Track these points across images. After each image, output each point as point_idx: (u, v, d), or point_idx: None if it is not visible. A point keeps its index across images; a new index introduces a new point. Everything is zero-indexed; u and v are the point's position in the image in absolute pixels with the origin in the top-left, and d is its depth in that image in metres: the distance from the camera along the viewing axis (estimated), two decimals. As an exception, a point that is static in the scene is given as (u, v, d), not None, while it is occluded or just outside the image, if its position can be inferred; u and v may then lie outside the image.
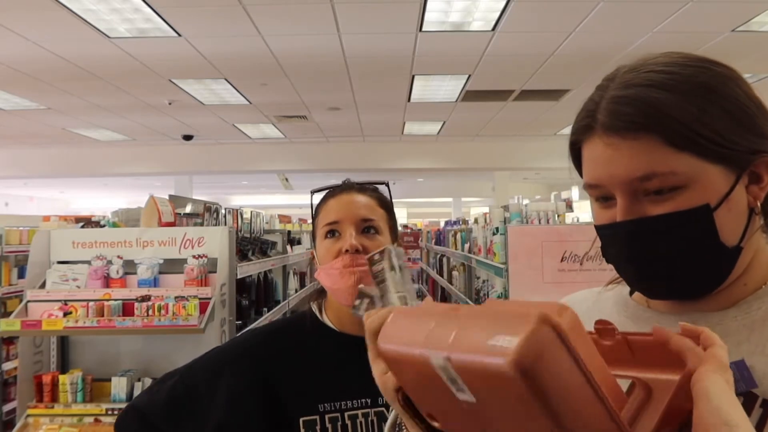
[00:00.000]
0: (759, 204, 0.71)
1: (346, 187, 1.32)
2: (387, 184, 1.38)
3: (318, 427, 1.18)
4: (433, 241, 9.44)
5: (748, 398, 0.66)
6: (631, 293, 0.84)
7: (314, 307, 1.34)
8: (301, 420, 1.19)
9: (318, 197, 1.36)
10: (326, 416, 1.19)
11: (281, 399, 1.21)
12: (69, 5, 4.68)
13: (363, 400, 1.21)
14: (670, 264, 0.69)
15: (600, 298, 0.88)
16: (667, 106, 0.67)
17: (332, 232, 1.25)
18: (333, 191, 1.32)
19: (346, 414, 1.20)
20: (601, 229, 0.74)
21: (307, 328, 1.31)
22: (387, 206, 1.32)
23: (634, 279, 0.74)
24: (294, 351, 1.28)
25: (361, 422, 1.20)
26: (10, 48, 5.66)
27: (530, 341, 0.46)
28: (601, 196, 0.73)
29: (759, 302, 0.72)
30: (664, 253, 0.69)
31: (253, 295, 3.84)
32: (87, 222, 3.56)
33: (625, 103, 0.69)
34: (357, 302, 0.82)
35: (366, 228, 1.25)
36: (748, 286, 0.73)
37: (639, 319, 0.79)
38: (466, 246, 5.44)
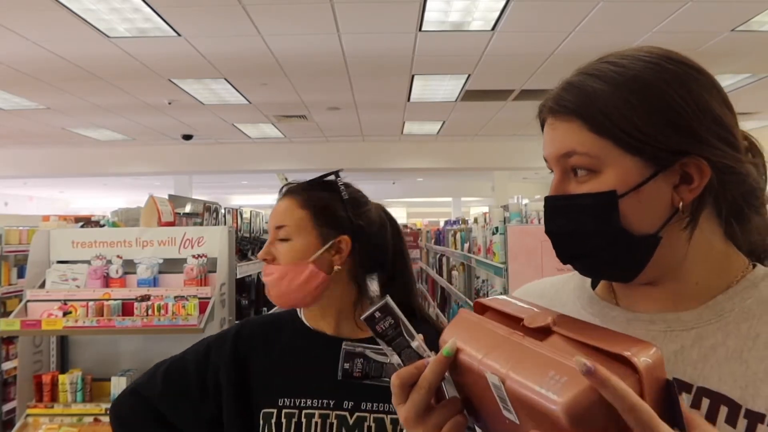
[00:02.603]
0: (684, 204, 0.71)
1: (281, 192, 1.33)
2: (336, 173, 1.34)
3: (273, 421, 1.19)
4: (433, 240, 9.44)
5: (731, 409, 0.66)
6: (593, 286, 0.85)
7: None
8: (262, 411, 1.21)
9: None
10: (283, 411, 1.20)
11: (250, 387, 1.25)
12: (69, 5, 4.67)
13: (325, 401, 1.20)
14: (583, 243, 0.74)
15: (564, 289, 0.89)
16: (597, 95, 0.72)
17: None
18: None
19: (303, 412, 1.19)
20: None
21: (287, 324, 1.34)
22: (314, 204, 1.28)
23: (558, 253, 0.77)
24: (269, 343, 1.30)
25: (317, 422, 1.18)
26: (9, 48, 5.65)
27: (581, 397, 0.51)
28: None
29: (731, 303, 0.72)
30: (575, 230, 0.74)
31: (252, 294, 3.84)
32: (86, 222, 3.55)
33: (568, 89, 0.75)
34: (346, 365, 0.79)
35: (279, 237, 1.28)
36: (700, 285, 0.74)
37: (606, 317, 0.79)
38: (466, 246, 5.44)
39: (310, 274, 1.24)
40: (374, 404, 1.18)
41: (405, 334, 0.75)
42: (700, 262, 0.73)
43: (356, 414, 1.18)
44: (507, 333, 0.64)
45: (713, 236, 0.74)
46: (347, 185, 1.33)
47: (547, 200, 0.76)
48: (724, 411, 0.66)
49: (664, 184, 0.71)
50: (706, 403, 0.68)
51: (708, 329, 0.71)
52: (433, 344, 0.74)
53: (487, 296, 4.41)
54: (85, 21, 5.01)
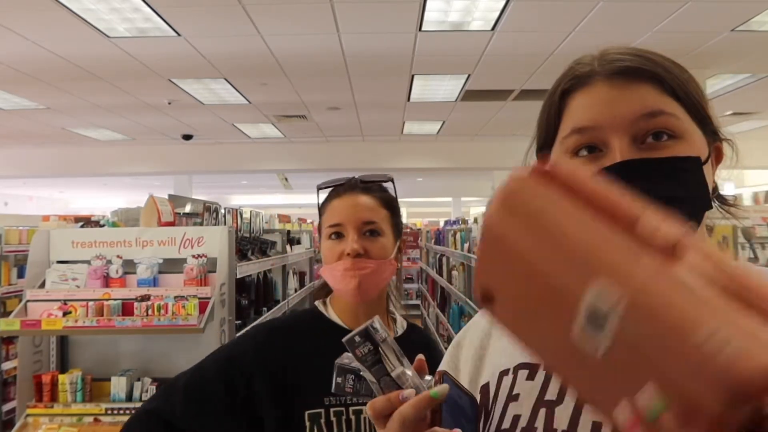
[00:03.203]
0: (716, 184, 0.74)
1: (350, 186, 1.34)
2: (392, 181, 1.42)
3: (323, 421, 1.20)
4: (433, 240, 9.44)
5: None
6: None
7: (319, 304, 1.38)
8: (306, 413, 1.20)
9: (324, 192, 1.39)
10: (331, 410, 1.20)
11: (287, 392, 1.22)
12: (68, 5, 4.67)
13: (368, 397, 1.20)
14: (677, 206, 0.62)
15: None
16: (668, 67, 0.71)
17: (336, 234, 1.30)
18: (338, 190, 1.35)
19: (350, 409, 1.21)
20: None
21: (313, 323, 1.34)
22: (390, 206, 1.36)
23: None
24: (300, 346, 1.29)
25: (365, 418, 1.21)
26: (9, 48, 5.65)
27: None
28: (586, 145, 0.70)
29: None
30: (670, 195, 0.64)
31: (252, 294, 3.84)
32: (86, 222, 3.55)
33: (628, 54, 0.71)
34: (339, 380, 0.76)
35: (368, 231, 1.30)
36: None
37: None
38: (466, 245, 5.44)
39: (392, 270, 1.33)
40: None
41: (385, 361, 0.72)
42: None
43: None
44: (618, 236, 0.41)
45: None
46: None
47: (625, 165, 0.66)
48: None
49: (710, 162, 0.72)
50: None
51: None
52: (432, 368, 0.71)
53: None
54: (85, 21, 5.01)
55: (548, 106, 0.76)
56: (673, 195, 0.65)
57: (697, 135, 0.70)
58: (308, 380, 1.22)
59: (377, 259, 1.28)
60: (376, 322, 0.73)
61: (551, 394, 0.71)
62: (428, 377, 0.73)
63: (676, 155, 0.67)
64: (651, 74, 0.69)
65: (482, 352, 0.82)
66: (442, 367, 0.84)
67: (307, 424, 1.19)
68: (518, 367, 0.76)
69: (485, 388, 0.78)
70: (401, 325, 1.42)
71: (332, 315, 1.34)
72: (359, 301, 1.29)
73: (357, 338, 0.72)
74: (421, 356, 0.74)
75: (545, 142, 0.78)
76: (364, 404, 1.11)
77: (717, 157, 0.75)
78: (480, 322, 0.86)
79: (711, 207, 0.71)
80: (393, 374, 0.70)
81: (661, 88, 0.69)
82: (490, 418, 0.76)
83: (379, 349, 0.71)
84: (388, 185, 1.41)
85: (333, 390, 0.77)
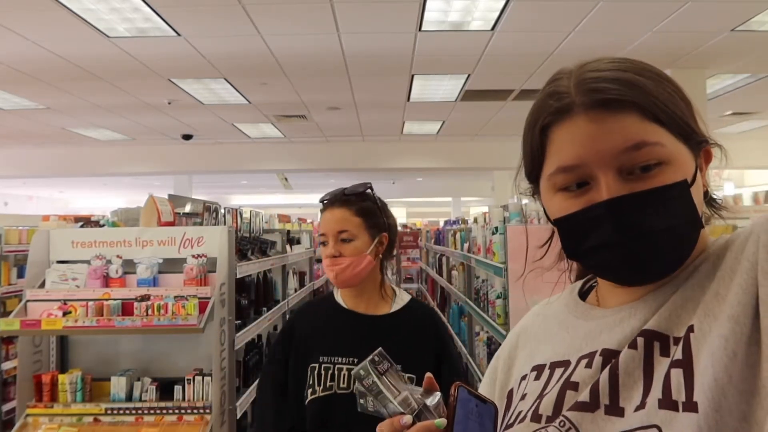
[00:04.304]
0: (708, 189, 0.76)
1: (331, 202, 1.78)
2: (370, 186, 1.81)
3: (315, 372, 1.69)
4: (433, 240, 9.43)
5: (662, 342, 0.68)
6: (584, 297, 0.85)
7: (334, 290, 1.85)
8: (309, 366, 1.70)
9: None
10: (322, 365, 1.69)
11: (300, 351, 1.75)
12: (68, 5, 4.67)
13: (350, 359, 1.68)
14: (657, 241, 0.68)
15: (557, 302, 0.91)
16: (646, 84, 0.70)
17: (323, 241, 1.79)
18: (325, 205, 1.80)
19: (335, 366, 1.69)
20: (578, 215, 0.71)
21: (324, 304, 1.86)
22: (365, 212, 1.77)
23: (616, 263, 0.71)
24: (313, 319, 1.83)
25: (344, 374, 1.67)
26: (9, 48, 5.65)
27: None
28: (575, 182, 0.72)
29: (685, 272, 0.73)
30: (656, 228, 0.68)
31: (252, 294, 3.84)
32: (86, 221, 3.55)
33: (605, 81, 0.70)
34: (362, 401, 0.83)
35: (341, 238, 1.75)
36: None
37: (590, 317, 0.80)
38: (466, 245, 5.44)
39: (367, 262, 1.75)
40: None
41: (389, 389, 0.79)
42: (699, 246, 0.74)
43: None
44: None
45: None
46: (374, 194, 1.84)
47: (613, 204, 0.68)
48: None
49: (697, 173, 0.73)
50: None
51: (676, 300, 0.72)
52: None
53: (487, 296, 4.42)
54: (85, 21, 5.01)
55: (530, 139, 0.78)
56: (666, 226, 0.68)
57: (683, 153, 0.71)
58: (313, 344, 1.74)
59: (351, 257, 1.74)
60: (378, 355, 0.81)
61: (548, 389, 0.77)
62: (437, 393, 0.79)
63: (664, 183, 0.68)
64: (631, 103, 0.69)
65: (510, 362, 0.91)
66: (483, 389, 0.94)
67: (308, 372, 1.70)
68: (532, 370, 0.83)
69: (510, 393, 0.86)
70: (400, 301, 1.83)
71: (338, 298, 1.83)
72: (342, 287, 1.79)
73: (362, 372, 0.80)
74: (429, 375, 0.81)
75: (532, 173, 0.80)
76: (344, 363, 1.69)
77: (706, 159, 0.76)
78: (509, 338, 0.95)
79: (703, 226, 0.72)
80: (396, 401, 0.77)
81: (642, 115, 0.69)
82: (505, 418, 0.84)
83: (383, 378, 0.79)
84: (390, 186, 1.80)
85: (359, 410, 0.86)
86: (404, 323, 1.76)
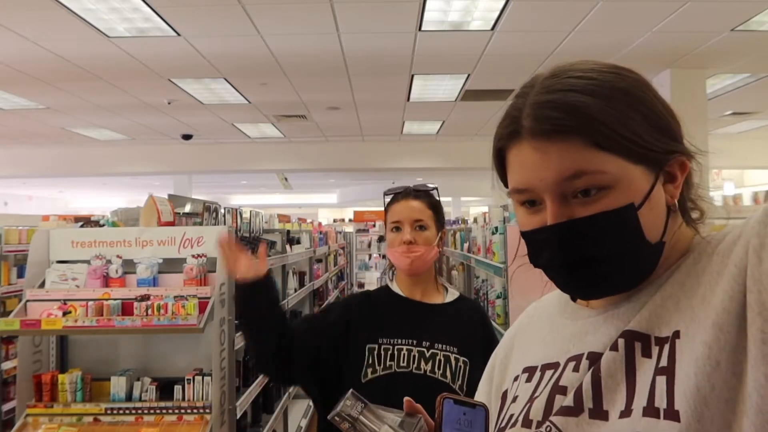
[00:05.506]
0: (675, 201, 0.75)
1: (406, 194, 1.90)
2: (437, 189, 1.98)
3: (375, 352, 1.77)
4: (433, 240, 9.41)
5: (644, 342, 0.69)
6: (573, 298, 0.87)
7: (389, 283, 1.96)
8: (366, 347, 1.78)
9: (387, 197, 2.00)
10: (382, 346, 1.78)
11: (360, 332, 1.81)
12: (68, 5, 4.67)
13: (410, 340, 1.78)
14: (602, 264, 0.71)
15: (550, 300, 0.92)
16: (591, 108, 0.70)
17: (396, 228, 1.87)
18: (397, 196, 1.92)
19: (395, 347, 1.78)
20: (530, 234, 0.76)
21: (381, 294, 1.95)
22: (434, 207, 1.92)
23: (566, 282, 0.75)
24: (372, 304, 1.91)
25: (404, 354, 1.76)
26: (9, 47, 5.65)
27: None
28: (528, 201, 0.75)
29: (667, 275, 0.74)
30: (595, 254, 0.71)
31: (252, 294, 3.83)
32: (86, 221, 3.55)
33: (550, 107, 0.71)
34: (346, 426, 0.84)
35: (417, 226, 1.85)
36: (661, 267, 0.75)
37: (577, 316, 0.82)
38: (465, 245, 5.44)
39: (435, 253, 1.88)
40: (444, 345, 1.77)
41: (365, 428, 0.80)
42: (674, 253, 0.75)
43: (431, 350, 1.76)
44: None
45: (680, 225, 0.77)
46: None
47: (556, 229, 0.72)
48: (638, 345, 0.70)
49: (660, 186, 0.73)
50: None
51: (656, 301, 0.73)
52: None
53: (487, 296, 4.42)
54: (85, 21, 5.01)
55: (494, 157, 0.81)
56: (608, 251, 0.70)
57: (633, 175, 0.70)
58: (372, 327, 1.82)
59: (423, 245, 1.84)
60: (350, 398, 0.83)
61: (539, 392, 0.78)
62: (419, 416, 0.83)
63: (606, 209, 0.69)
64: (574, 129, 0.69)
65: (506, 361, 0.93)
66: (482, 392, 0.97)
67: (366, 352, 1.77)
68: (523, 371, 0.84)
69: (504, 394, 0.88)
70: (452, 295, 1.95)
71: (395, 288, 1.93)
72: (411, 274, 1.87)
73: (336, 418, 0.82)
74: (408, 399, 0.85)
75: (503, 183, 0.82)
76: (405, 345, 1.78)
77: (681, 169, 0.75)
78: (505, 339, 0.98)
79: (657, 245, 0.72)
80: None
81: (584, 143, 0.69)
82: (498, 419, 0.85)
83: (360, 419, 0.81)
84: (435, 192, 1.99)
85: None
86: (457, 312, 1.90)
